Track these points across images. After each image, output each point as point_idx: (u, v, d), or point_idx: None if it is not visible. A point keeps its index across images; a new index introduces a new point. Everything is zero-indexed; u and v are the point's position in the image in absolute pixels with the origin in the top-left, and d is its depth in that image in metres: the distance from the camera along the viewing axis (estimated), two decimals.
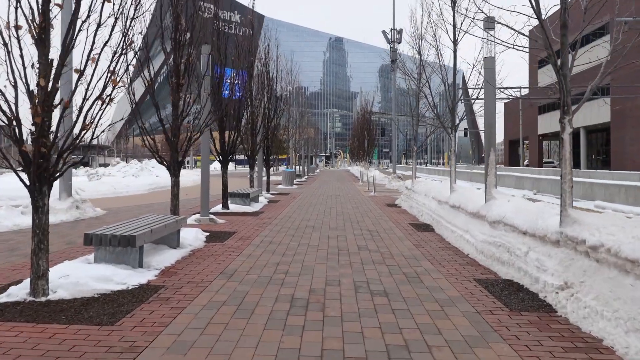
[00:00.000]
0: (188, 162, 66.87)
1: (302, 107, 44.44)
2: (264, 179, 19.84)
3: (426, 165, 72.40)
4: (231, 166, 60.31)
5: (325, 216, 12.11)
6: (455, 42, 10.11)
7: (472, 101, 10.52)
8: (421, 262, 6.84)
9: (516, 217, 6.62)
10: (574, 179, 22.98)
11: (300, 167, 40.58)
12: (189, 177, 26.61)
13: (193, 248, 7.48)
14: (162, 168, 38.37)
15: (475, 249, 7.41)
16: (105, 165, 45.48)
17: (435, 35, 10.38)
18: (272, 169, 52.15)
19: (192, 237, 7.95)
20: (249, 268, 6.28)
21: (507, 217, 6.83)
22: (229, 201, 12.78)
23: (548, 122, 53.12)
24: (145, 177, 19.54)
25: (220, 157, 12.38)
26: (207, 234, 8.78)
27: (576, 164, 46.47)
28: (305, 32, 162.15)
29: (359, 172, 34.79)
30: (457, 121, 10.39)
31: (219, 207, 12.51)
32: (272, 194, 19.22)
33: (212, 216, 10.38)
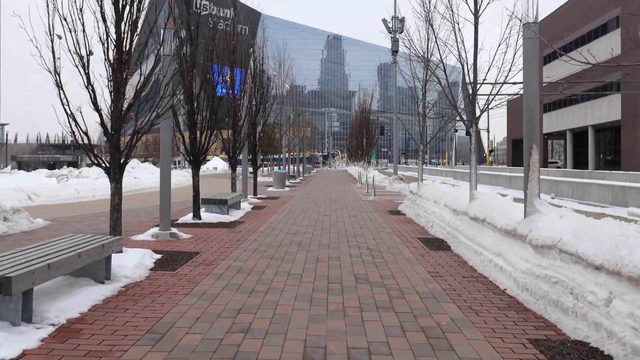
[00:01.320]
0: (180, 162, 64.23)
1: (299, 106, 42.42)
2: (251, 181, 17.78)
3: (426, 165, 70.44)
4: (224, 165, 58.08)
5: (317, 228, 10.09)
6: (476, 14, 8.14)
7: (493, 94, 8.54)
8: (444, 304, 4.85)
9: (579, 242, 4.62)
10: (595, 181, 20.98)
11: (295, 167, 38.46)
12: (175, 177, 24.49)
13: (129, 281, 5.47)
14: (145, 168, 36.21)
15: (515, 282, 5.42)
16: (90, 165, 43.32)
17: (450, 6, 8.38)
18: (265, 169, 50.20)
19: (134, 263, 5.93)
20: (195, 320, 4.27)
21: (565, 241, 4.83)
22: (203, 209, 10.75)
23: (554, 121, 51.16)
24: None
25: (191, 157, 10.34)
26: (160, 256, 6.76)
27: (583, 164, 44.49)
28: (303, 29, 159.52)
29: (357, 172, 32.77)
30: (479, 113, 8.43)
31: (189, 217, 10.46)
32: (259, 198, 17.20)
33: (174, 230, 8.34)
